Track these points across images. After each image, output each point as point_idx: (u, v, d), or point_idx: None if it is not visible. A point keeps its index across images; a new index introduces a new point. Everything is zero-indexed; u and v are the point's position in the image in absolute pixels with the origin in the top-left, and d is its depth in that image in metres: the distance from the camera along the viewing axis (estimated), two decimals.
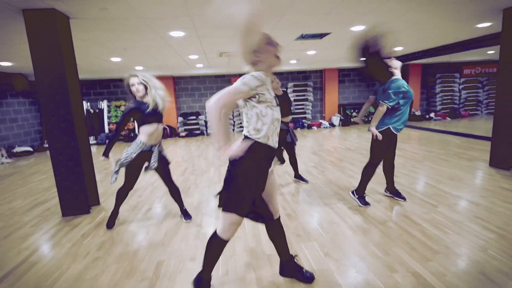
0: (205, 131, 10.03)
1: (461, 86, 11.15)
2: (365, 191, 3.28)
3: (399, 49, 7.46)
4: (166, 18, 3.62)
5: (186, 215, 3.08)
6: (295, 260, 2.00)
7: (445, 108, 11.14)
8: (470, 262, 2.12)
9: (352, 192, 3.31)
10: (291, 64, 9.39)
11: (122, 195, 2.90)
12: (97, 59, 6.35)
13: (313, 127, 10.28)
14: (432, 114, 10.81)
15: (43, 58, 3.09)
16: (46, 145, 8.95)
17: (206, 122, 10.07)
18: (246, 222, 2.94)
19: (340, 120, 10.45)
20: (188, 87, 10.20)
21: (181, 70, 9.16)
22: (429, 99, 11.41)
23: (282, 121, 3.63)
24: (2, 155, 7.19)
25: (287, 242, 1.97)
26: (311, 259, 2.25)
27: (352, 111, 10.76)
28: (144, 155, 2.75)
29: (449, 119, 10.69)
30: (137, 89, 2.69)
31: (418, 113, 10.84)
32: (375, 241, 2.47)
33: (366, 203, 3.21)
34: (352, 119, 10.71)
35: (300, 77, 10.66)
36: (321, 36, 5.44)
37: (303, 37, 5.37)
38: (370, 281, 1.97)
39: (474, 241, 2.38)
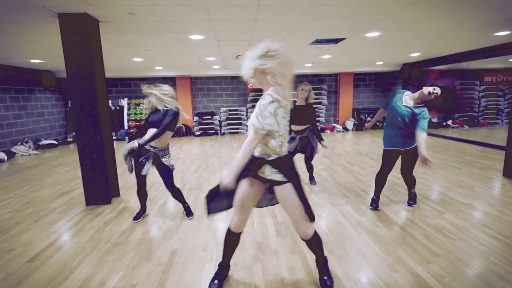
0: (219, 131, 10.27)
1: (481, 94, 10.89)
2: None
3: (415, 54, 7.43)
4: (187, 21, 3.83)
5: (188, 212, 3.23)
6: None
7: (463, 116, 10.91)
8: (470, 266, 2.19)
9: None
10: (306, 67, 9.49)
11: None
12: (120, 59, 6.69)
13: (326, 131, 10.33)
14: (449, 122, 10.62)
15: (75, 57, 3.36)
16: (70, 139, 9.45)
17: (220, 122, 10.31)
18: (255, 218, 3.10)
19: (354, 124, 10.45)
20: (205, 87, 10.48)
21: (199, 70, 9.44)
22: None
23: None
24: (30, 147, 7.66)
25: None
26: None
27: (366, 115, 10.72)
28: (144, 149, 2.91)
29: (467, 127, 10.47)
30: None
31: (435, 120, 10.66)
32: (378, 241, 2.57)
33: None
34: (366, 124, 10.66)
35: (315, 80, 10.72)
36: (336, 41, 5.54)
37: (318, 41, 5.48)
38: (370, 278, 2.08)
39: (476, 247, 2.44)
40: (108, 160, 3.69)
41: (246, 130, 10.09)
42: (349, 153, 6.43)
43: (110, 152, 3.78)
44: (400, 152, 3.14)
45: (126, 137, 9.70)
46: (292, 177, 1.73)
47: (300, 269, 2.20)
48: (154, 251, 2.49)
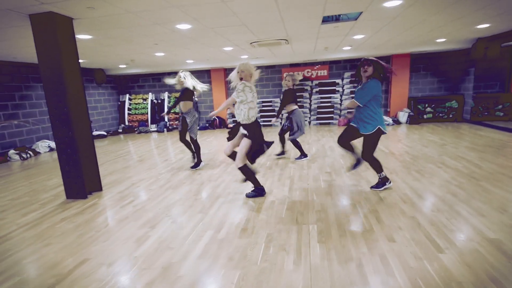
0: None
1: None
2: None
3: (484, 26, 5.65)
4: (151, 11, 3.57)
5: (195, 165, 4.94)
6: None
7: None
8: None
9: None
10: (344, 51, 8.31)
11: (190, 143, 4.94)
12: (142, 54, 6.92)
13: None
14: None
15: (45, 56, 3.45)
16: (120, 130, 10.45)
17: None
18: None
19: (409, 116, 8.77)
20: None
21: (230, 62, 9.22)
22: None
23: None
24: None
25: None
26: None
27: (425, 105, 8.89)
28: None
29: None
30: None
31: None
32: None
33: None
34: (425, 116, 8.88)
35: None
36: (355, 17, 4.54)
37: (328, 19, 4.59)
38: None
39: None
40: (85, 156, 3.77)
41: (280, 123, 9.54)
42: (398, 155, 5.31)
43: (88, 148, 3.85)
44: None
45: (165, 129, 10.22)
46: (252, 134, 3.23)
47: None
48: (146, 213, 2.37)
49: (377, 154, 5.21)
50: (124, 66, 9.27)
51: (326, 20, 4.62)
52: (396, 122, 8.87)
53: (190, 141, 4.89)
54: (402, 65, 8.88)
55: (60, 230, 2.89)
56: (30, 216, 3.28)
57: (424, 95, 9.21)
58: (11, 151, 6.61)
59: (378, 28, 5.32)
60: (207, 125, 10.18)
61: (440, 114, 8.81)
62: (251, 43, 6.08)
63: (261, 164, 4.94)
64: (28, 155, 6.76)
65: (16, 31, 4.05)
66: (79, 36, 4.65)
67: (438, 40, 7.27)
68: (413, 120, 8.69)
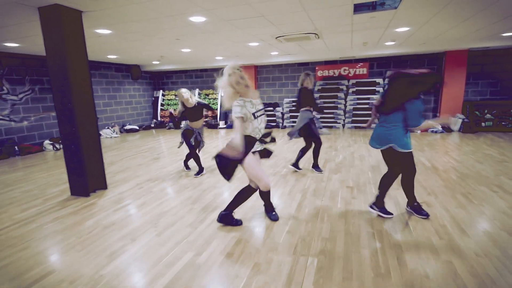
0: (280, 124, 9.43)
1: None
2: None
3: None
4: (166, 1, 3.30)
5: (186, 167, 4.74)
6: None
7: None
8: None
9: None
10: (388, 46, 7.38)
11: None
12: (169, 50, 6.83)
13: (416, 131, 7.83)
14: None
15: (52, 50, 3.38)
16: (153, 125, 10.69)
17: (283, 114, 9.43)
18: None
19: (463, 123, 7.53)
20: (270, 77, 9.76)
21: (260, 58, 8.80)
22: None
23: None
24: (114, 131, 9.02)
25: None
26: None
27: (485, 111, 7.56)
28: (188, 131, 4.43)
29: None
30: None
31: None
32: None
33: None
34: (484, 124, 7.56)
35: (408, 62, 8.29)
36: (395, 6, 3.83)
37: (362, 8, 3.92)
38: None
39: None
40: (90, 153, 3.67)
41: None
42: (442, 172, 4.40)
43: (93, 145, 3.74)
44: None
45: None
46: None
47: None
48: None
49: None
50: (157, 62, 9.39)
51: (359, 9, 3.97)
52: (447, 129, 7.69)
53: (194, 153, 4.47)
54: (458, 63, 7.64)
55: (46, 231, 2.77)
56: (28, 212, 3.24)
57: (484, 99, 7.85)
58: (46, 141, 7.00)
59: (425, 18, 4.48)
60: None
61: (503, 123, 7.42)
62: (276, 37, 5.59)
63: (275, 172, 4.47)
64: (61, 146, 7.12)
65: (34, 25, 4.08)
66: (98, 31, 4.62)
67: (505, 34, 6.04)
68: (467, 128, 7.44)
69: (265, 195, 2.82)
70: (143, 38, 5.28)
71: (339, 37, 5.90)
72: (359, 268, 2.06)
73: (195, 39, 5.50)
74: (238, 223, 2.74)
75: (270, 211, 2.90)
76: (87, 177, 3.64)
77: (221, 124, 10.01)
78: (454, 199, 3.22)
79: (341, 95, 8.78)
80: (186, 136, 4.40)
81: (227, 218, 2.73)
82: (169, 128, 10.25)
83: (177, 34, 5.05)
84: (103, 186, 3.93)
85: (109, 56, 7.75)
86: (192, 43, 5.89)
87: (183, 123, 4.47)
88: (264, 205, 2.92)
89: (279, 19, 4.23)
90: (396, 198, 3.27)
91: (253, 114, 2.44)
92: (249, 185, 2.65)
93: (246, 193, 2.66)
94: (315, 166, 4.44)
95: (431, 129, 7.77)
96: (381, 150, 2.71)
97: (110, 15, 3.78)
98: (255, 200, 3.35)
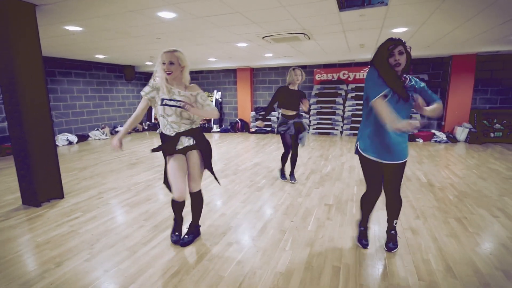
0: (275, 129, 9.00)
1: None
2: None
3: None
4: None
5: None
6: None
7: None
8: None
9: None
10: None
11: None
12: (153, 50, 6.53)
13: (417, 140, 7.31)
14: None
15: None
16: (146, 127, 10.43)
17: (278, 118, 9.01)
18: None
19: (469, 133, 6.97)
20: (266, 80, 9.38)
21: (255, 61, 8.45)
22: None
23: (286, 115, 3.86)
24: (104, 133, 8.78)
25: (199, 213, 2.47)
26: None
27: (494, 121, 6.98)
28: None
29: None
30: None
31: None
32: None
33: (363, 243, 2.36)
34: (492, 134, 6.97)
35: (411, 67, 7.77)
36: (383, 1, 3.41)
37: (349, 5, 3.51)
38: None
39: None
40: (42, 160, 3.35)
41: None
42: (438, 189, 3.86)
43: (48, 151, 3.42)
44: None
45: None
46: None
47: None
48: None
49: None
50: (150, 63, 9.13)
51: (346, 5, 3.56)
52: (452, 139, 7.13)
53: None
54: (464, 69, 7.10)
55: None
56: None
57: (493, 108, 7.26)
58: None
59: (422, 17, 4.04)
60: (229, 127, 9.54)
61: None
62: (263, 37, 5.21)
63: (252, 184, 4.07)
64: None
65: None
66: (68, 28, 4.33)
67: None
68: (474, 138, 6.87)
69: (176, 207, 2.38)
70: (118, 36, 4.98)
71: (332, 38, 5.48)
72: None
73: (176, 37, 5.18)
74: None
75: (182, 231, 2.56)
76: (35, 186, 3.32)
77: (215, 128, 9.67)
78: (446, 224, 2.75)
79: (340, 100, 8.32)
80: None
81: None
82: None
83: (154, 32, 4.73)
84: (59, 195, 3.60)
85: (97, 56, 7.51)
86: (175, 42, 5.57)
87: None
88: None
89: (258, 16, 3.86)
90: (378, 220, 2.82)
91: (162, 99, 2.16)
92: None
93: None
94: (280, 171, 4.22)
95: (434, 139, 7.22)
96: (394, 165, 2.10)
97: (69, 9, 3.47)
98: (216, 218, 2.96)
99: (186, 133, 2.23)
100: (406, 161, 2.10)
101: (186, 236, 2.47)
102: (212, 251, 2.35)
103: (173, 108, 2.16)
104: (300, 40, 5.40)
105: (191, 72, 10.42)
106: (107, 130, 8.92)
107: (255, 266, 2.14)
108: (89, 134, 8.48)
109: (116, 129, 9.33)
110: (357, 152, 2.22)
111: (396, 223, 2.31)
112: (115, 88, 9.54)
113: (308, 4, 3.38)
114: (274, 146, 6.93)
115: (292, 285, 1.92)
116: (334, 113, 8.39)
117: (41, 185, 3.37)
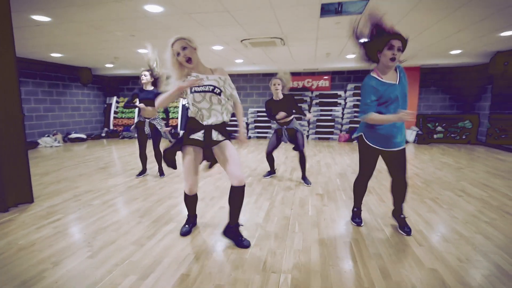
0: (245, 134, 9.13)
1: None
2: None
3: (507, 34, 4.89)
4: None
5: (161, 173, 4.33)
6: (239, 228, 2.22)
7: None
8: None
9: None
10: (349, 59, 7.59)
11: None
12: (123, 49, 6.24)
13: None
14: None
15: None
16: (103, 134, 9.68)
17: (247, 124, 9.18)
18: None
19: (417, 135, 7.93)
20: (235, 86, 9.50)
21: (224, 66, 8.54)
22: None
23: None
24: (56, 140, 7.93)
25: (239, 211, 2.15)
26: None
27: (436, 124, 8.06)
28: (139, 123, 4.10)
29: None
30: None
31: None
32: None
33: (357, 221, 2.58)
34: (435, 136, 8.03)
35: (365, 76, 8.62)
36: (360, 11, 3.82)
37: (329, 11, 3.86)
38: None
39: None
40: (10, 163, 2.96)
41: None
42: (409, 179, 4.42)
43: (15, 153, 3.03)
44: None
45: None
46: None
47: None
48: None
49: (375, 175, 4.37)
50: (111, 65, 8.61)
51: (326, 11, 3.90)
52: None
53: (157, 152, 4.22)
54: (411, 80, 8.12)
55: None
56: None
57: (435, 113, 8.39)
58: None
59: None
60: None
61: (452, 135, 7.95)
62: (242, 40, 5.37)
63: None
64: None
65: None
66: (35, 17, 3.95)
67: (453, 52, 6.53)
68: (421, 139, 7.83)
69: (188, 200, 2.32)
70: (89, 30, 4.68)
71: (304, 45, 5.87)
72: (339, 282, 1.74)
73: (152, 36, 5.04)
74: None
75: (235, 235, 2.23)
76: (4, 189, 2.91)
77: (181, 133, 9.41)
78: (424, 204, 3.12)
79: (305, 106, 8.81)
80: (138, 129, 4.12)
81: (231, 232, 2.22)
82: (123, 138, 9.37)
83: (130, 28, 4.56)
84: (28, 199, 3.19)
85: (53, 55, 6.86)
86: (149, 41, 5.40)
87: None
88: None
89: (244, 16, 4.00)
90: (367, 204, 3.08)
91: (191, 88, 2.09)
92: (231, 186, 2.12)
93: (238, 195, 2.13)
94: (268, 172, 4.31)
95: None
96: (395, 152, 2.30)
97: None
98: (216, 211, 2.94)
99: (216, 128, 2.12)
100: (405, 148, 2.37)
101: (241, 238, 2.19)
102: (223, 239, 2.33)
103: (203, 93, 2.06)
104: (276, 45, 5.68)
105: None
106: (59, 136, 8.09)
107: (273, 247, 2.18)
108: (39, 141, 7.59)
109: (70, 136, 8.51)
110: (357, 139, 2.43)
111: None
112: (69, 91, 8.76)
113: (296, 7, 3.63)
114: (247, 149, 7.02)
115: (313, 259, 2.01)
116: (300, 119, 8.82)
117: (10, 188, 2.97)
